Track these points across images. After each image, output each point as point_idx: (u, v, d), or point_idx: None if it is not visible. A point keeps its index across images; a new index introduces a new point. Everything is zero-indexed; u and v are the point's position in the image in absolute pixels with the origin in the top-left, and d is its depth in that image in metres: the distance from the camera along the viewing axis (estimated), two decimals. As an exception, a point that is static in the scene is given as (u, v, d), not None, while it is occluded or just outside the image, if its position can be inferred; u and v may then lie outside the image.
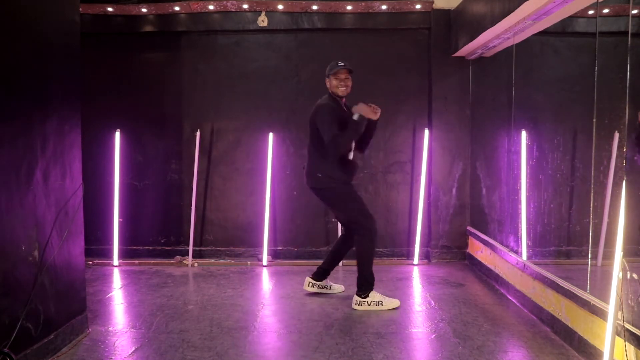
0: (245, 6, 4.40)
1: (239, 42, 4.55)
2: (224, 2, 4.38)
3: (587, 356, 2.41)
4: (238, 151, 4.59)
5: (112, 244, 4.44)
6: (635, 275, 2.75)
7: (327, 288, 3.56)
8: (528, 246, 3.59)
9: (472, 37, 3.77)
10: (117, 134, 4.43)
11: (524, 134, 3.73)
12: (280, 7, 4.39)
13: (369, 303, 3.19)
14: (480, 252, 4.12)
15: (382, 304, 3.19)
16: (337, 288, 3.60)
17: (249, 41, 4.55)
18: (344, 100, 3.32)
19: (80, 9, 2.83)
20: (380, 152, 4.56)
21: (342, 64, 3.22)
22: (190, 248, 4.44)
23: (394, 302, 3.22)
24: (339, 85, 3.23)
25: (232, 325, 2.90)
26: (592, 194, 2.78)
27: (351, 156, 3.33)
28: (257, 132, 4.54)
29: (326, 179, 3.25)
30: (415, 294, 3.60)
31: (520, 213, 3.65)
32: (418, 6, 4.36)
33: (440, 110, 4.43)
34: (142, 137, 4.60)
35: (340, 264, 4.35)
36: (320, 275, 3.53)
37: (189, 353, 2.52)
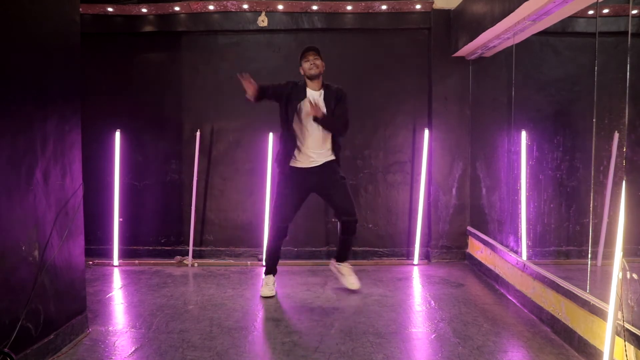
0: (245, 6, 4.40)
1: (239, 42, 4.55)
2: (224, 2, 4.38)
3: (587, 356, 2.41)
4: (238, 151, 4.59)
5: (112, 244, 4.44)
6: (635, 275, 2.75)
7: (340, 274, 3.66)
8: (528, 246, 3.59)
9: (472, 37, 3.78)
10: (117, 134, 4.43)
11: (524, 134, 3.73)
12: (280, 7, 4.39)
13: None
14: (480, 252, 4.13)
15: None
16: (348, 281, 3.61)
17: (249, 41, 4.55)
18: (319, 83, 3.46)
19: (80, 9, 2.83)
20: (380, 152, 4.56)
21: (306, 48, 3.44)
22: (190, 248, 4.44)
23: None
24: (310, 66, 3.41)
25: (232, 325, 2.90)
26: (592, 194, 2.78)
27: (299, 142, 3.43)
28: (257, 132, 4.54)
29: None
30: (415, 294, 3.60)
31: (520, 213, 3.65)
32: (418, 6, 4.36)
33: (440, 110, 4.43)
34: (142, 137, 4.60)
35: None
36: (338, 258, 3.69)
37: (189, 353, 2.52)
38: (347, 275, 3.60)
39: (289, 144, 3.42)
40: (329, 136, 3.44)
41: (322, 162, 3.44)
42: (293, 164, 3.44)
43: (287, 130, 3.44)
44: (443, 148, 4.46)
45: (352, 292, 3.57)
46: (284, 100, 3.44)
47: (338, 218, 3.55)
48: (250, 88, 3.30)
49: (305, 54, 3.42)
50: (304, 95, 3.42)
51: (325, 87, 3.46)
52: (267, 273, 3.55)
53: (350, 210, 3.49)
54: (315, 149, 3.42)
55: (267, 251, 3.62)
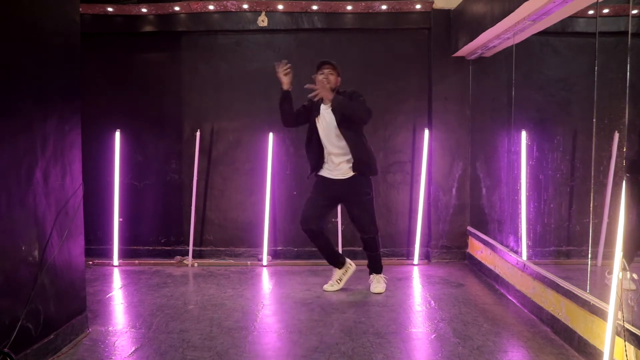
0: (245, 6, 4.40)
1: (239, 42, 4.55)
2: (224, 2, 4.38)
3: (587, 356, 2.41)
4: (238, 151, 4.59)
5: (112, 244, 4.44)
6: (635, 275, 2.76)
7: (371, 282, 3.67)
8: (528, 246, 3.59)
9: (472, 37, 3.78)
10: (117, 134, 4.43)
11: (524, 134, 3.73)
12: (280, 7, 4.39)
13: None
14: (480, 252, 4.13)
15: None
16: (374, 287, 3.62)
17: (249, 41, 4.55)
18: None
19: (80, 9, 2.83)
20: (380, 152, 4.56)
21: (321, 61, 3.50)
22: (190, 248, 4.44)
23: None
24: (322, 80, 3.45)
25: (232, 325, 2.90)
26: (592, 194, 2.78)
27: (324, 153, 3.49)
28: (257, 132, 4.54)
29: None
30: (415, 294, 3.60)
31: (520, 213, 3.65)
32: (418, 6, 4.36)
33: (440, 110, 4.43)
34: (142, 137, 4.60)
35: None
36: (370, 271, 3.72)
37: (189, 353, 2.52)
38: (375, 282, 3.61)
39: (315, 154, 3.50)
40: (349, 152, 3.41)
41: (347, 177, 3.45)
42: (320, 172, 3.51)
43: (311, 143, 3.52)
44: (443, 148, 4.46)
45: (352, 292, 3.57)
46: (309, 117, 3.53)
47: (359, 233, 3.63)
48: (284, 79, 3.41)
49: (320, 66, 3.46)
50: (318, 110, 3.47)
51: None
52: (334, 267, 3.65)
53: (366, 228, 3.51)
54: (338, 159, 3.43)
55: None
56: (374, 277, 3.63)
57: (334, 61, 3.49)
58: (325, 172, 3.49)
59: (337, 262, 3.61)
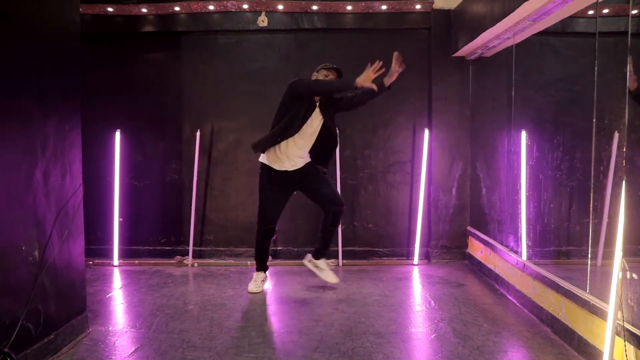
0: (245, 6, 4.40)
1: (239, 42, 4.55)
2: (224, 2, 4.38)
3: (587, 356, 2.41)
4: (238, 151, 4.59)
5: (112, 244, 4.44)
6: (635, 275, 2.75)
7: (318, 269, 3.67)
8: (528, 246, 3.58)
9: (472, 37, 3.78)
10: (117, 134, 4.43)
11: (524, 134, 3.73)
12: (280, 7, 4.39)
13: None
14: (480, 252, 4.13)
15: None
16: (327, 275, 3.63)
17: (249, 41, 4.55)
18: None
19: (80, 9, 2.83)
20: (380, 152, 4.56)
21: (332, 65, 3.50)
22: (190, 248, 4.44)
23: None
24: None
25: (232, 325, 2.90)
26: (592, 194, 2.78)
27: (290, 145, 3.44)
28: (257, 132, 4.50)
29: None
30: (415, 294, 3.60)
31: (520, 213, 3.65)
32: (418, 6, 4.36)
33: (440, 110, 4.43)
34: (142, 137, 4.61)
35: (340, 263, 4.38)
36: (316, 253, 3.68)
37: (189, 353, 2.52)
38: (326, 269, 3.64)
39: (280, 144, 3.43)
40: (310, 150, 3.57)
41: (302, 165, 3.52)
42: (277, 166, 3.47)
43: (284, 131, 3.39)
44: (443, 148, 4.46)
45: (352, 292, 3.57)
46: (302, 102, 3.41)
47: (327, 210, 3.55)
48: (372, 76, 3.28)
49: (328, 69, 3.46)
50: (312, 109, 3.42)
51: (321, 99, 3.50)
52: (257, 270, 3.66)
53: (339, 199, 3.57)
54: (301, 154, 3.50)
55: (255, 251, 3.68)
56: (322, 263, 3.64)
57: (341, 70, 3.51)
58: (282, 166, 3.46)
59: (265, 265, 3.67)
